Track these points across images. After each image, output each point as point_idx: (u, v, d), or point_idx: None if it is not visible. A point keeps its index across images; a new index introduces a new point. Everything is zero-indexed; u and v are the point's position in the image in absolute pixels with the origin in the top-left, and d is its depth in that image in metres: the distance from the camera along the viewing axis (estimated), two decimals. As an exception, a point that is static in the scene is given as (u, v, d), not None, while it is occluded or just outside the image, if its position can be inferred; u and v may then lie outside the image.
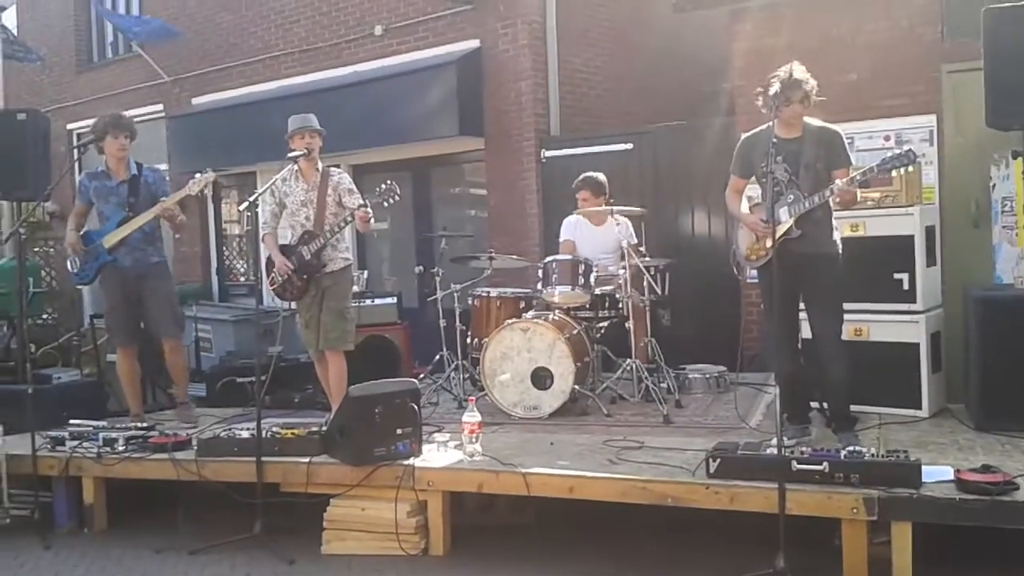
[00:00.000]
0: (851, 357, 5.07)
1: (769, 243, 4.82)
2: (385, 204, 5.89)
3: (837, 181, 4.77)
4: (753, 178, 5.21)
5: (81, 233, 6.54)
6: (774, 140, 4.71)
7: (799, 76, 4.82)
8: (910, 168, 4.79)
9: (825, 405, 5.39)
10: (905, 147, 4.79)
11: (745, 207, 5.26)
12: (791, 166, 4.90)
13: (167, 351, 6.70)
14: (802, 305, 5.14)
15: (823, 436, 5.13)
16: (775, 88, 4.77)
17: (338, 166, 6.52)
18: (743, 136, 5.29)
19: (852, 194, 4.81)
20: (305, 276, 6.04)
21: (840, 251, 5.04)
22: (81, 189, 6.62)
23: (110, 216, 6.44)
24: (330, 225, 5.98)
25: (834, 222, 5.06)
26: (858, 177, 4.78)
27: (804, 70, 4.86)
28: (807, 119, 4.97)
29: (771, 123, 4.83)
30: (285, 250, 6.09)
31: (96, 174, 6.56)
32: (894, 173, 4.88)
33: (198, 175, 6.37)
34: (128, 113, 8.81)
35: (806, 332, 5.22)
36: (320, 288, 6.07)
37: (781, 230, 4.84)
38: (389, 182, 5.87)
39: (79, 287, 7.05)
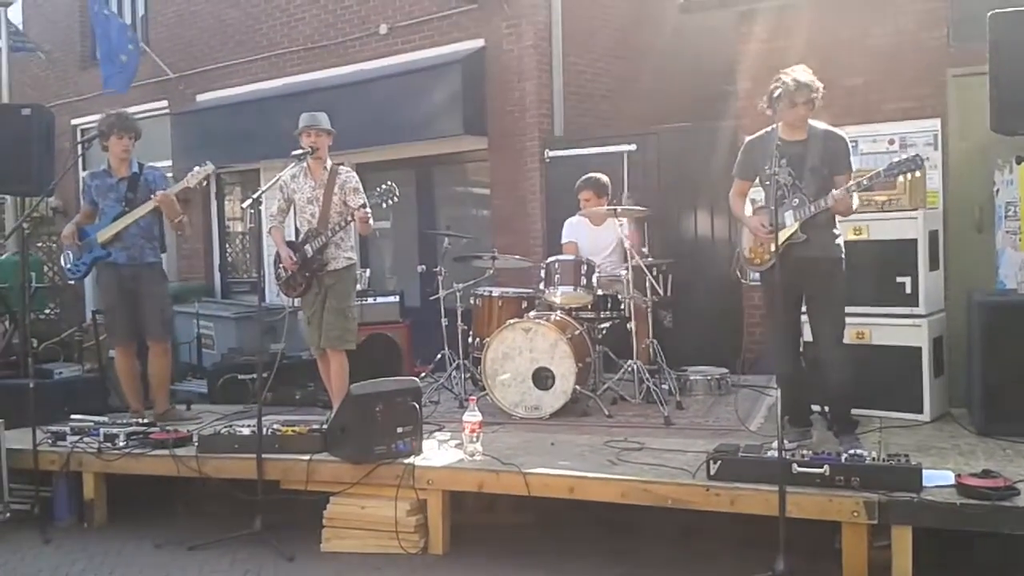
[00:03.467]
0: (853, 361, 5.06)
1: (773, 247, 4.81)
2: (384, 205, 5.92)
3: (833, 191, 4.76)
4: (757, 181, 5.20)
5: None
6: (778, 143, 4.69)
7: (805, 80, 4.81)
8: (917, 173, 4.76)
9: (826, 409, 5.39)
10: (911, 152, 4.76)
11: (749, 210, 5.24)
12: (795, 169, 4.87)
13: (151, 353, 6.63)
14: (804, 308, 5.13)
15: (824, 439, 5.11)
16: (780, 91, 4.76)
17: (342, 163, 6.53)
18: (747, 139, 5.28)
19: (847, 203, 4.79)
20: (308, 273, 6.05)
21: (843, 255, 5.03)
22: (85, 189, 6.66)
23: (107, 211, 6.44)
24: (333, 223, 5.99)
25: (837, 226, 5.05)
26: (864, 182, 4.76)
27: (809, 73, 4.86)
28: (812, 122, 4.96)
29: (775, 126, 4.83)
30: (291, 247, 6.11)
31: (98, 173, 6.59)
32: (900, 178, 4.85)
33: (197, 168, 6.37)
34: (132, 109, 8.83)
35: (807, 335, 5.22)
36: (323, 286, 6.09)
37: (786, 234, 4.82)
38: (388, 183, 5.90)
39: (71, 282, 7.01)
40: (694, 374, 6.93)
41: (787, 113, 4.82)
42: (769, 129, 5.00)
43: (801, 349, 5.26)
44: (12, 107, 8.31)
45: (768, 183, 4.80)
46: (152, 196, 6.32)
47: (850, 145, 5.00)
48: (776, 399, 5.22)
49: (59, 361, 8.55)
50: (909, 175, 4.73)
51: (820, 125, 4.98)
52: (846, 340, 5.12)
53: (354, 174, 6.25)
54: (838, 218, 5.05)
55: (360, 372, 5.99)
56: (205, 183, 6.48)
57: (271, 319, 7.93)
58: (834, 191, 4.76)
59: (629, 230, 6.65)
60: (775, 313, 5.01)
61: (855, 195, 4.81)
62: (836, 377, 4.98)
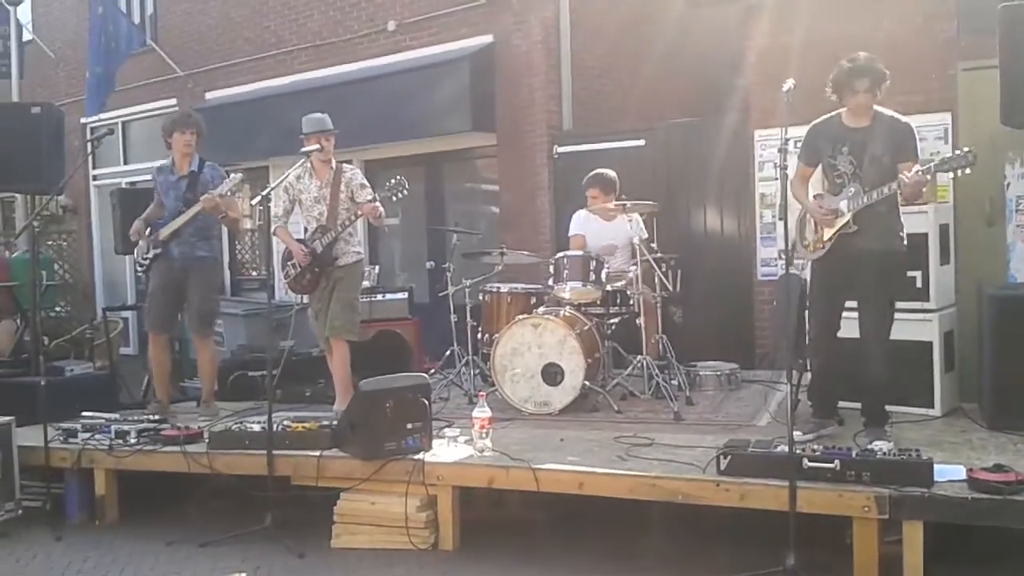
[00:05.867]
0: (892, 358, 4.97)
1: (826, 236, 4.79)
2: (394, 198, 5.97)
3: (903, 175, 4.62)
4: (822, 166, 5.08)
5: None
6: (795, 134, 4.59)
7: (862, 64, 4.75)
8: (968, 170, 4.63)
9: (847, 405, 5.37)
10: (964, 149, 4.62)
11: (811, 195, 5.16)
12: (856, 157, 4.81)
13: (196, 346, 6.79)
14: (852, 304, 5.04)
15: (840, 434, 5.09)
16: (840, 76, 4.73)
17: (350, 162, 6.55)
18: (812, 123, 5.11)
19: (922, 186, 4.68)
20: (317, 269, 6.11)
21: (903, 248, 4.92)
22: (154, 185, 6.73)
23: (169, 209, 6.50)
24: (342, 219, 6.03)
25: (900, 217, 4.94)
26: (925, 175, 4.64)
27: (874, 60, 4.77)
28: (879, 108, 4.87)
29: (840, 111, 4.79)
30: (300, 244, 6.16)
31: (163, 168, 6.67)
32: (951, 175, 4.77)
33: (233, 174, 6.43)
34: (141, 107, 8.88)
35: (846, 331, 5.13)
36: (331, 280, 6.15)
37: (839, 223, 4.79)
38: (398, 177, 5.96)
39: (139, 274, 7.16)
40: (704, 369, 6.92)
41: (849, 100, 4.79)
42: (835, 113, 4.93)
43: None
44: (22, 105, 8.37)
45: (831, 170, 4.77)
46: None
47: (916, 132, 4.90)
48: (786, 393, 5.21)
49: (70, 358, 8.59)
50: (959, 172, 4.60)
51: (887, 112, 4.89)
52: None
53: (359, 171, 6.35)
54: (902, 210, 4.97)
55: (369, 368, 6.00)
56: (236, 192, 6.49)
57: (280, 316, 7.93)
58: (904, 174, 4.61)
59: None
60: (818, 300, 4.95)
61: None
62: (873, 371, 4.91)
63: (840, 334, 5.11)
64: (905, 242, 4.96)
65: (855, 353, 5.02)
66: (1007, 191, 6.71)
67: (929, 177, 4.68)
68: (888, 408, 5.14)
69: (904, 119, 4.91)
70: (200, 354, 6.83)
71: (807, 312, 5.34)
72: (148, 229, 6.56)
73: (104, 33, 11.68)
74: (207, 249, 6.64)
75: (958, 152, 4.62)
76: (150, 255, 6.56)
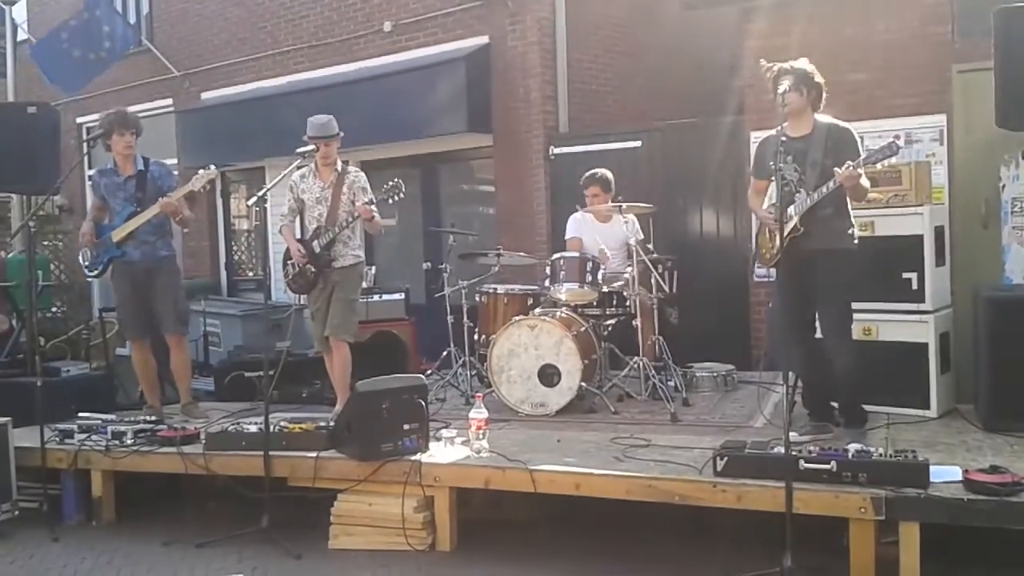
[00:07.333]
0: (857, 353, 5.04)
1: (778, 242, 4.84)
2: (390, 201, 6.00)
3: (835, 169, 4.73)
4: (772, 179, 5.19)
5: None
6: (783, 139, 4.68)
7: (797, 66, 4.86)
8: (892, 160, 4.77)
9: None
10: (888, 139, 4.78)
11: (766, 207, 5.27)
12: (799, 165, 4.91)
13: (171, 347, 6.68)
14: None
15: (841, 436, 5.10)
16: (772, 78, 4.83)
17: (347, 162, 6.55)
18: (761, 138, 5.29)
19: (855, 179, 4.73)
20: (314, 269, 6.11)
21: (854, 246, 4.99)
22: (94, 186, 6.66)
23: (119, 211, 6.43)
24: (341, 220, 6.04)
25: (848, 217, 5.01)
26: (855, 169, 4.74)
27: (805, 62, 4.90)
28: (818, 117, 4.98)
29: (784, 124, 4.85)
30: (300, 243, 6.19)
31: (105, 171, 6.57)
32: (879, 166, 4.86)
33: (201, 171, 6.38)
34: (137, 107, 8.88)
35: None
36: (329, 283, 6.16)
37: (787, 228, 4.84)
38: (395, 180, 5.97)
39: (89, 279, 7.05)
40: (700, 370, 6.93)
41: (785, 104, 4.84)
42: (779, 127, 5.01)
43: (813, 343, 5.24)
44: (18, 105, 8.34)
45: (775, 180, 4.82)
46: (163, 195, 6.31)
47: (857, 136, 4.98)
48: (783, 395, 5.22)
49: (66, 359, 8.57)
50: (887, 162, 4.74)
51: (825, 119, 5.00)
52: (853, 336, 5.11)
53: (362, 174, 6.33)
54: (851, 206, 5.04)
55: (366, 369, 6.01)
56: (209, 187, 6.44)
57: (277, 317, 7.94)
58: (837, 169, 4.72)
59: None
60: (781, 307, 5.02)
61: (863, 177, 4.78)
62: (840, 368, 4.98)
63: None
64: (856, 240, 5.02)
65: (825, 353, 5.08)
66: (1002, 193, 6.73)
67: (862, 171, 4.76)
68: (881, 409, 5.16)
69: (844, 124, 5.01)
70: (178, 354, 6.69)
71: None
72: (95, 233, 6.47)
73: (93, 29, 11.60)
74: (167, 248, 6.60)
75: (883, 144, 4.72)
76: (102, 259, 6.45)
